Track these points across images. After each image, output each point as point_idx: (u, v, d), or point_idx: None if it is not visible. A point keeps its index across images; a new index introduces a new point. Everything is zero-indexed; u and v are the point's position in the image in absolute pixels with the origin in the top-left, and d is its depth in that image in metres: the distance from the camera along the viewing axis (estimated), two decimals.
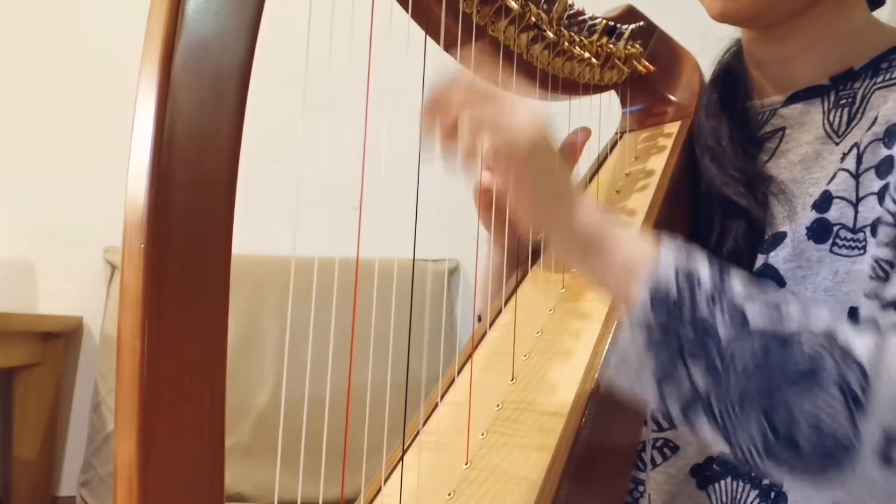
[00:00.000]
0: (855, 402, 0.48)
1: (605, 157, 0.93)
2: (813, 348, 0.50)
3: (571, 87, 0.83)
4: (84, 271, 2.18)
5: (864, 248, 0.63)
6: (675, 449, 0.71)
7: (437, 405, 0.73)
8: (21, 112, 2.20)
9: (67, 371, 2.16)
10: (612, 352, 0.55)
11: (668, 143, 0.86)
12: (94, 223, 2.05)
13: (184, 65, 0.43)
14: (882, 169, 0.63)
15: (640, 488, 0.71)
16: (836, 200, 0.66)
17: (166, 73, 0.42)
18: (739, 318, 0.51)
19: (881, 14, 0.78)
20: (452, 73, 0.60)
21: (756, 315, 0.51)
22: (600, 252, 0.57)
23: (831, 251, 0.65)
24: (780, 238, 0.68)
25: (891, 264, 0.59)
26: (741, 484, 0.67)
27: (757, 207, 0.72)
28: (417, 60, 0.63)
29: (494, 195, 0.82)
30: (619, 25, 0.85)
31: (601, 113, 0.88)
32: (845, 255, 0.64)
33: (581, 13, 0.81)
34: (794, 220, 0.69)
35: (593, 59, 0.81)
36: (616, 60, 0.85)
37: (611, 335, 0.68)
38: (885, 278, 0.59)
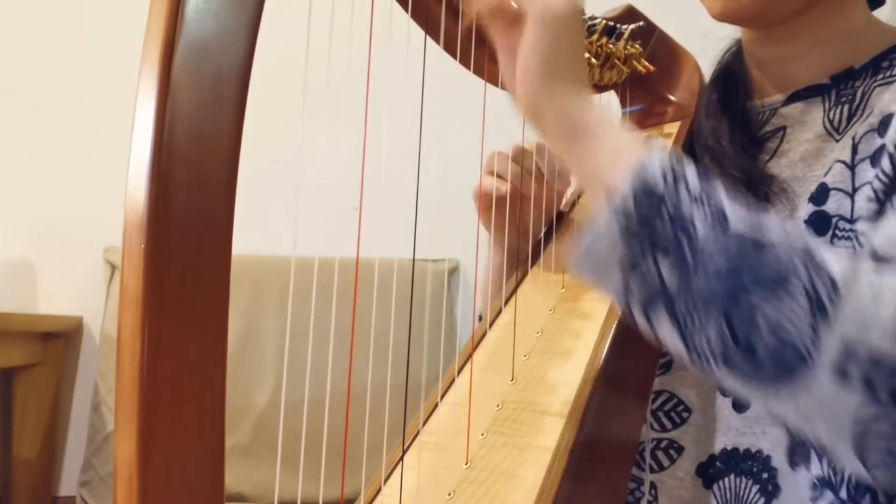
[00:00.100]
0: (821, 310, 0.47)
1: None
2: (789, 257, 0.49)
3: None
4: (84, 271, 2.18)
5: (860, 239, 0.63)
6: (680, 450, 0.71)
7: (437, 405, 0.73)
8: (21, 112, 2.20)
9: (67, 371, 2.16)
10: (586, 235, 0.54)
11: (668, 143, 0.85)
12: (94, 223, 2.05)
13: (184, 65, 0.43)
14: (876, 158, 0.63)
15: (641, 488, 0.71)
16: (832, 192, 0.66)
17: (166, 73, 0.42)
18: (720, 220, 0.51)
19: (881, 14, 0.78)
20: None
21: (737, 220, 0.51)
22: (593, 136, 0.57)
23: (832, 243, 0.65)
24: None
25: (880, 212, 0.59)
26: (743, 480, 0.67)
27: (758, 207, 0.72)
28: (417, 60, 0.63)
29: (494, 196, 0.82)
30: (618, 25, 0.85)
31: None
32: (845, 247, 0.64)
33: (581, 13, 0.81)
34: (794, 218, 0.69)
35: (593, 59, 0.81)
36: (616, 60, 0.85)
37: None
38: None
